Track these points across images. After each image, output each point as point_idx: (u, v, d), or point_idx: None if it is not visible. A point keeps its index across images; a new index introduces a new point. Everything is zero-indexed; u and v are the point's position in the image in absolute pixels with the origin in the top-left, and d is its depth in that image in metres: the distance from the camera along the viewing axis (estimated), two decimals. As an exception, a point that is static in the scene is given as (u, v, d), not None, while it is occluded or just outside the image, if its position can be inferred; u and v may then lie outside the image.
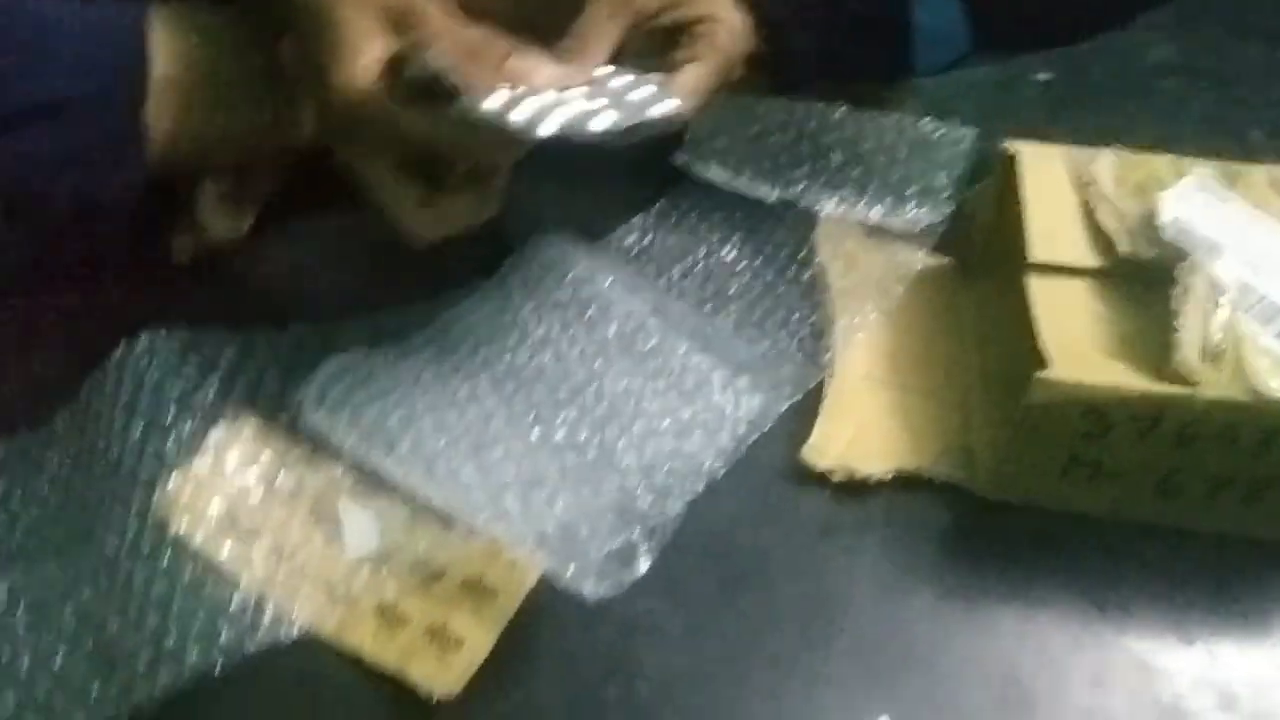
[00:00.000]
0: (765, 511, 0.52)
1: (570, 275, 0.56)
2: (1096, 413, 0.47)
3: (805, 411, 0.55)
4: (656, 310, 0.55)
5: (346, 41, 0.44)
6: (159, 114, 0.48)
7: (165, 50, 0.48)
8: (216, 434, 0.48)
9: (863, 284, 0.59)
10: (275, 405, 0.50)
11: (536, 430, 0.50)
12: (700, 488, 0.50)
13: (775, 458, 0.53)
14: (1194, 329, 0.47)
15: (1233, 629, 0.49)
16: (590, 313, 0.54)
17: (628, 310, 0.55)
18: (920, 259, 0.60)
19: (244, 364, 0.51)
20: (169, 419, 0.47)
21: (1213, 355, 0.47)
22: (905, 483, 0.52)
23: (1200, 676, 0.47)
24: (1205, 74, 0.76)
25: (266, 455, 0.49)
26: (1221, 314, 0.48)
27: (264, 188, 0.56)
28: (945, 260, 0.61)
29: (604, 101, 0.46)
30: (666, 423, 0.51)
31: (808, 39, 0.60)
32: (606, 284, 0.56)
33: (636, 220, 0.62)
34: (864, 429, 0.54)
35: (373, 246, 0.58)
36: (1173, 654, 0.48)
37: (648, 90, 0.48)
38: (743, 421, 0.52)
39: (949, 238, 0.62)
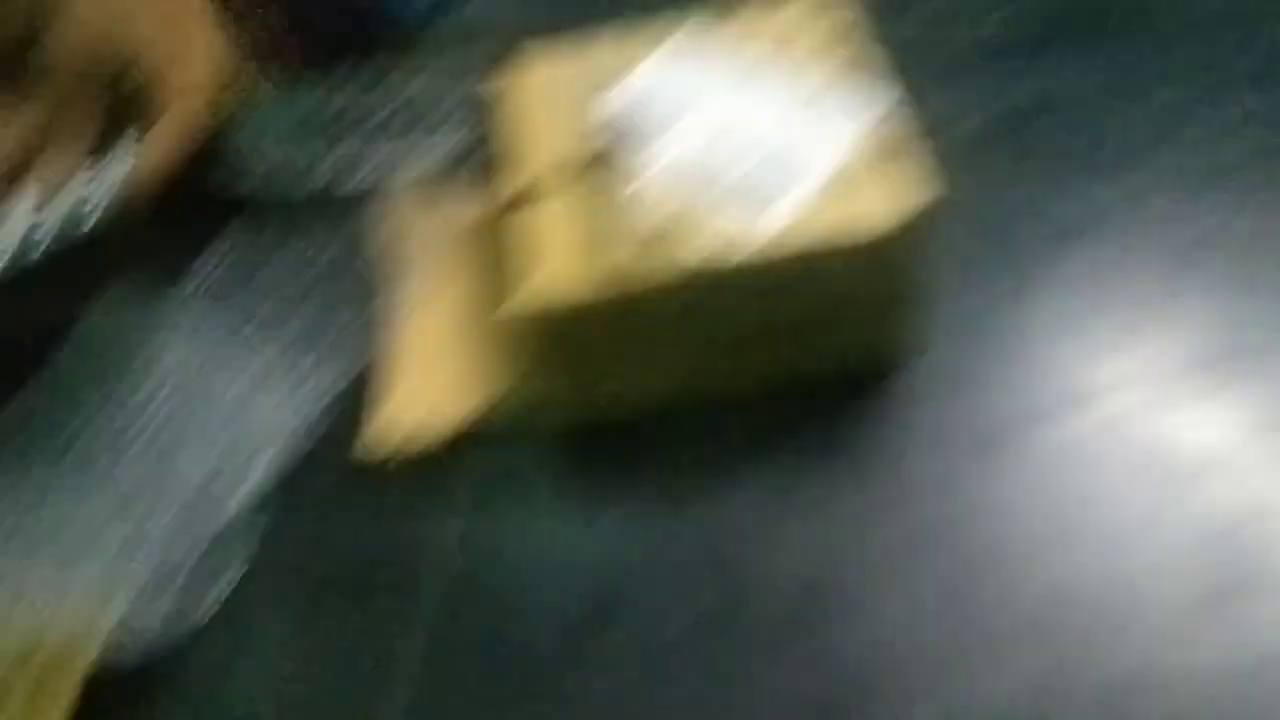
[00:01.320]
0: (344, 506, 0.53)
1: (127, 330, 0.57)
2: (579, 321, 0.48)
3: (373, 394, 0.55)
4: (214, 333, 0.56)
5: None
6: None
7: None
8: None
9: (427, 244, 0.59)
10: None
11: (98, 491, 0.51)
12: (259, 496, 0.51)
13: (345, 456, 0.54)
14: (636, 215, 0.46)
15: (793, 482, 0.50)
16: (145, 357, 0.55)
17: (182, 341, 0.56)
18: (470, 205, 0.59)
19: None
20: None
21: (663, 230, 0.46)
22: (481, 439, 0.53)
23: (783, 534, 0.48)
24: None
25: None
26: (662, 190, 0.48)
27: None
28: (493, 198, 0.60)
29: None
30: (221, 441, 0.52)
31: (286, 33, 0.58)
32: (164, 324, 0.57)
33: (204, 258, 0.62)
34: (431, 394, 0.55)
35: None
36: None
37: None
38: (303, 412, 0.53)
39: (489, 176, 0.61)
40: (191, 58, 0.52)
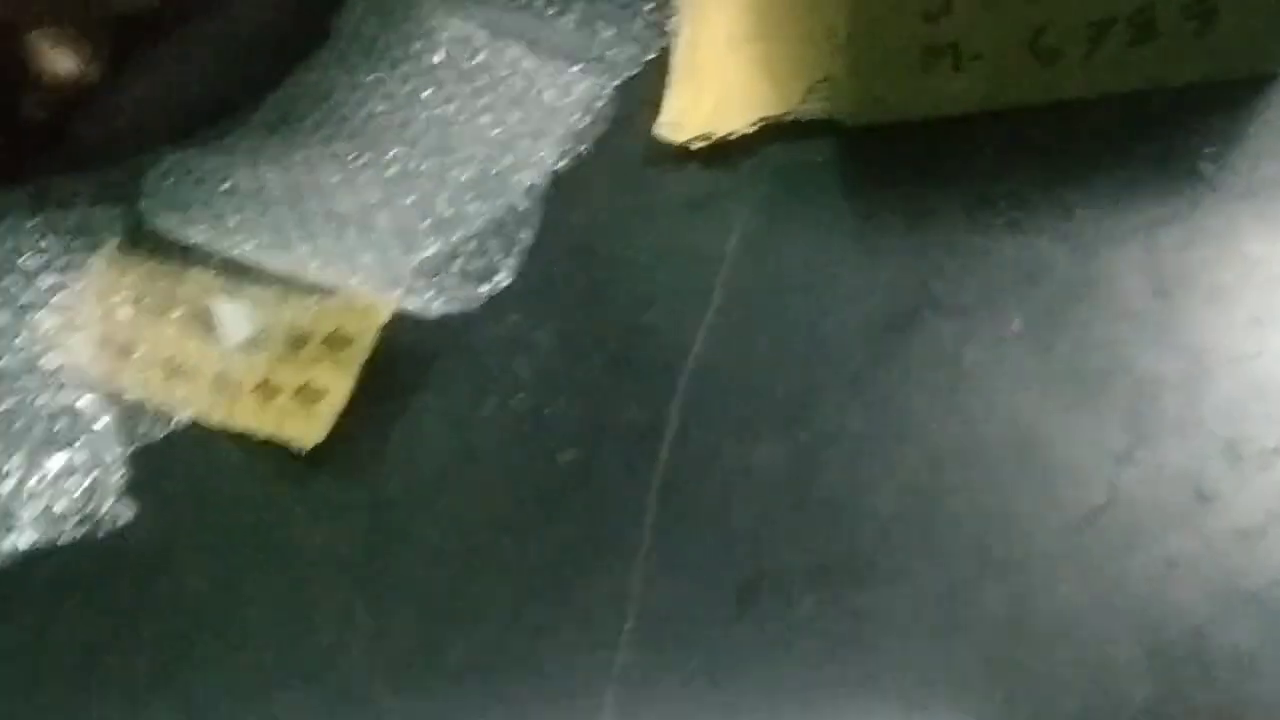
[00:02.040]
0: (627, 200, 0.50)
1: (399, 15, 0.54)
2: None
3: (658, 90, 0.51)
4: (486, 25, 0.52)
5: None
6: None
7: None
8: (78, 272, 0.50)
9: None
10: (138, 232, 0.52)
11: (368, 174, 0.49)
12: (540, 183, 0.49)
13: (636, 140, 0.51)
14: None
15: (1143, 195, 0.45)
16: (416, 46, 0.52)
17: (455, 34, 0.53)
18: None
19: (100, 201, 0.53)
20: (31, 268, 0.50)
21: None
22: (774, 134, 0.49)
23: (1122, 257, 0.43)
24: None
25: (132, 278, 0.51)
26: None
27: (100, 28, 0.57)
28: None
29: None
30: (497, 131, 0.49)
31: None
32: (433, 13, 0.53)
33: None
34: (725, 89, 0.51)
35: (218, 54, 0.58)
36: (1082, 242, 0.44)
37: None
38: (577, 108, 0.50)
39: None
40: None
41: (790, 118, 0.49)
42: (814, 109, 0.49)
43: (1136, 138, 0.45)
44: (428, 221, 0.47)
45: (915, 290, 0.44)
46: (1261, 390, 0.38)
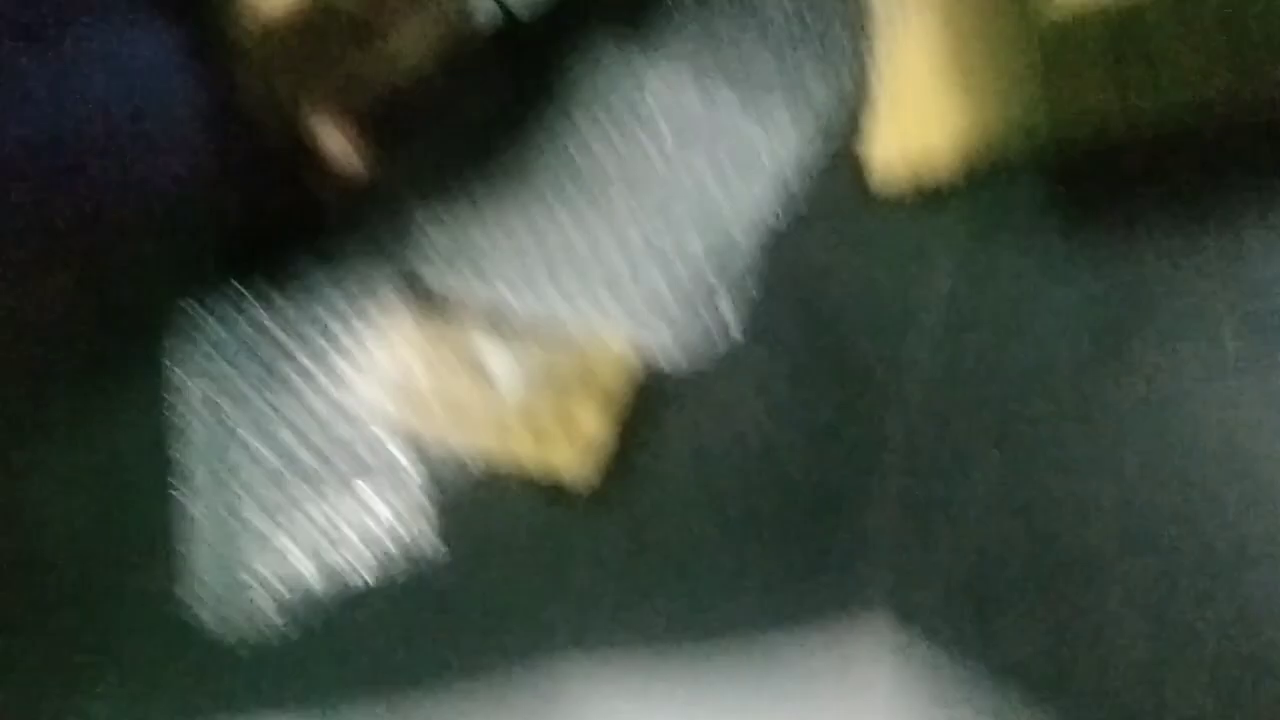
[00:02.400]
0: (843, 239, 0.54)
1: (615, 76, 0.60)
2: (1126, 19, 0.45)
3: (862, 131, 0.55)
4: (699, 77, 0.58)
5: None
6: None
7: None
8: (368, 326, 0.59)
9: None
10: (410, 289, 0.59)
11: (609, 229, 0.55)
12: (765, 232, 0.53)
13: (843, 182, 0.54)
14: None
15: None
16: (641, 109, 0.58)
17: (668, 84, 0.58)
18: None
19: (378, 259, 0.61)
20: (324, 319, 0.59)
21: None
22: (977, 170, 0.52)
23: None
24: None
25: (410, 327, 0.58)
26: None
27: (367, 104, 0.65)
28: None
29: None
30: (715, 177, 0.54)
31: None
32: (649, 73, 0.59)
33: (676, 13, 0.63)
34: (930, 129, 0.54)
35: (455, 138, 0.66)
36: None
37: None
38: (790, 152, 0.54)
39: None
40: None
41: (991, 154, 0.52)
42: (1015, 144, 0.52)
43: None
44: (673, 269, 0.52)
45: (1128, 312, 0.47)
46: None
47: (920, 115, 0.54)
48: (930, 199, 0.52)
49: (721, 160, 0.56)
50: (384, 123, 0.64)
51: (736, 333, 0.52)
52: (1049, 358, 0.47)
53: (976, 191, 0.51)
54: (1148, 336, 0.46)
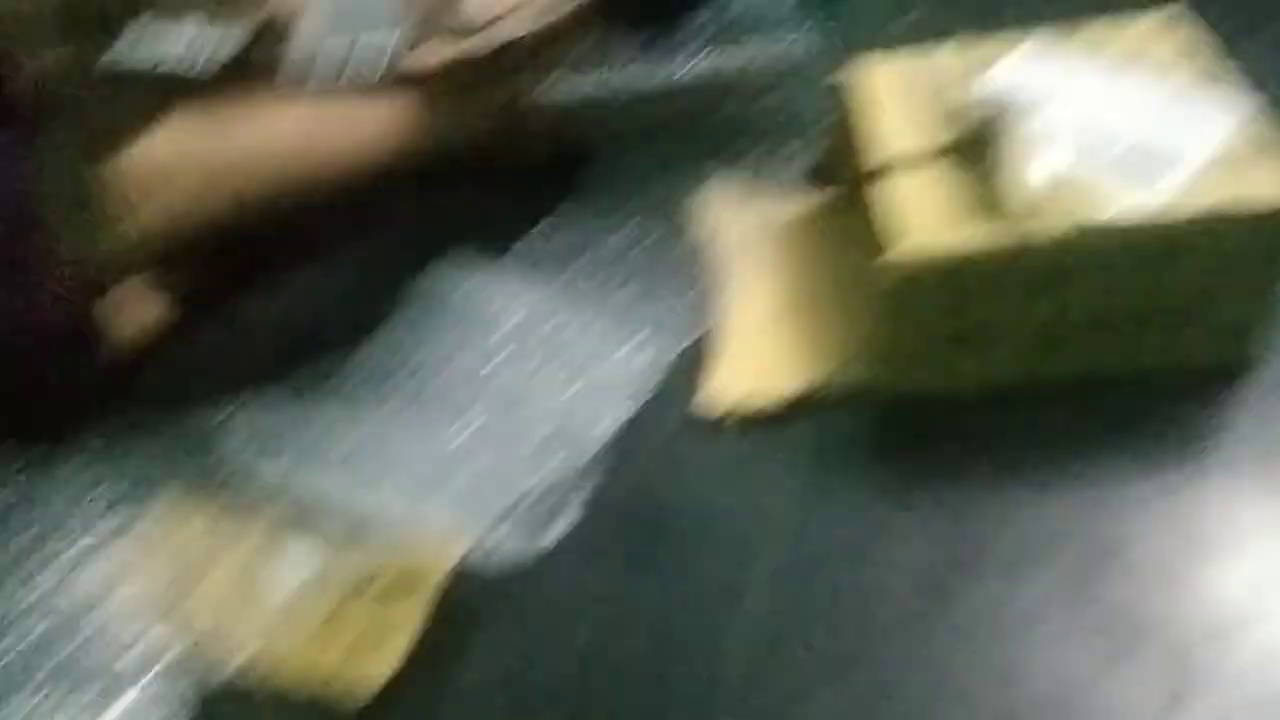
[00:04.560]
0: (679, 459, 0.54)
1: (469, 286, 0.60)
2: (950, 278, 0.49)
3: (705, 362, 0.57)
4: (553, 298, 0.59)
5: None
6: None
7: None
8: (147, 508, 0.54)
9: (747, 234, 0.62)
10: (205, 475, 0.55)
11: (448, 429, 0.54)
12: (599, 447, 0.53)
13: (684, 407, 0.55)
14: (1020, 175, 0.48)
15: (1147, 466, 0.49)
16: (490, 312, 0.58)
17: (524, 304, 0.59)
18: (798, 196, 0.62)
19: (174, 441, 0.57)
20: (99, 509, 0.54)
21: (1048, 195, 0.48)
22: (812, 403, 0.54)
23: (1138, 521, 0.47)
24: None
25: (199, 519, 0.54)
26: (1047, 155, 0.48)
27: (177, 281, 0.63)
28: (821, 191, 0.63)
29: None
30: (567, 393, 0.54)
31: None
32: (508, 284, 0.60)
33: (532, 231, 0.66)
34: (763, 363, 0.56)
35: (286, 318, 0.64)
36: (1099, 508, 0.48)
37: None
38: (639, 374, 0.55)
39: (826, 167, 0.63)
40: None
41: (825, 390, 0.54)
42: (846, 382, 0.54)
43: (1143, 414, 0.50)
44: (499, 474, 0.51)
45: (954, 552, 0.48)
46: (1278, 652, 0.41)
47: (758, 351, 0.56)
48: (768, 430, 0.53)
49: (564, 377, 0.57)
50: (197, 294, 0.61)
51: (564, 544, 0.50)
52: (882, 598, 0.47)
53: (813, 426, 0.53)
54: (973, 580, 0.47)
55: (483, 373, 0.57)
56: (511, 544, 0.48)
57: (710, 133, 0.68)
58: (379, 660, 0.46)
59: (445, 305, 0.60)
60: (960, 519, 0.49)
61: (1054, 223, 0.47)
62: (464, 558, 0.49)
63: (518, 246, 0.65)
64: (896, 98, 0.56)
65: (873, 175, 0.53)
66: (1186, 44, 0.54)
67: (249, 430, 0.54)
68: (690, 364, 0.57)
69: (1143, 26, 0.56)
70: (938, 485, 0.50)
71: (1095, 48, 0.55)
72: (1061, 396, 0.52)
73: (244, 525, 0.53)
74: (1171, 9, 0.56)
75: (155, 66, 0.50)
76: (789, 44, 0.65)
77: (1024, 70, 0.54)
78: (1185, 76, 0.52)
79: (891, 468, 0.51)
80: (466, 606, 0.48)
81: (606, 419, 0.54)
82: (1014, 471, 0.50)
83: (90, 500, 0.53)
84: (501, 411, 0.55)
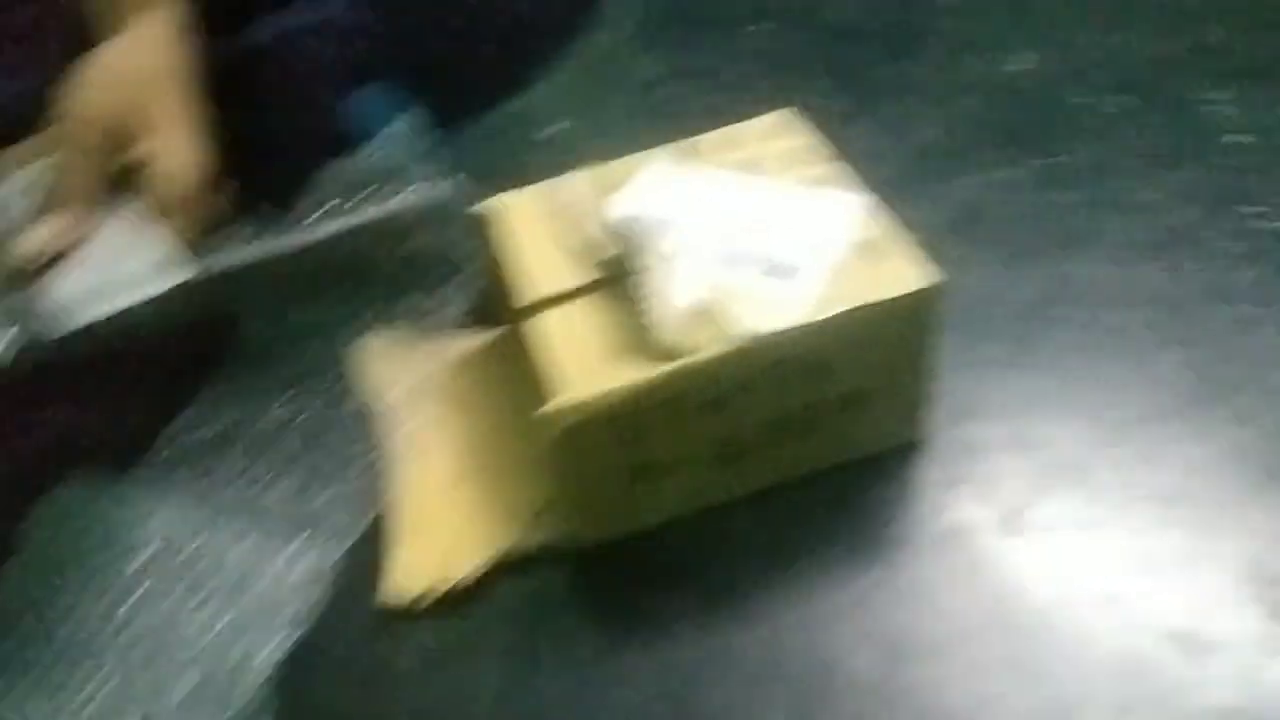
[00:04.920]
0: (366, 673, 0.48)
1: (95, 517, 0.52)
2: (619, 419, 0.47)
3: (381, 550, 0.52)
4: (194, 512, 0.51)
5: None
6: None
7: None
8: None
9: (415, 386, 0.57)
10: None
11: (77, 701, 0.45)
12: (260, 684, 0.46)
13: (364, 612, 0.50)
14: (663, 303, 0.46)
15: (842, 569, 0.49)
16: (119, 548, 0.50)
17: (162, 525, 0.51)
18: (464, 335, 0.58)
19: None
20: None
21: (693, 318, 0.46)
22: (506, 571, 0.50)
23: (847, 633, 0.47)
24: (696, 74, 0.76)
25: None
26: (685, 279, 0.48)
27: None
28: (482, 332, 0.60)
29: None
30: (215, 629, 0.47)
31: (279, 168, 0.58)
32: (137, 509, 0.51)
33: (177, 422, 0.58)
34: (448, 535, 0.52)
35: None
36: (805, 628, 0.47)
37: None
38: (303, 585, 0.49)
39: (477, 309, 0.60)
40: (166, 158, 0.53)
41: (517, 552, 0.50)
42: (537, 540, 0.50)
43: (828, 516, 0.50)
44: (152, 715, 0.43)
45: (673, 704, 0.45)
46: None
47: (438, 525, 0.53)
48: (465, 609, 0.50)
49: (213, 609, 0.50)
50: None
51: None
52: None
53: (511, 591, 0.50)
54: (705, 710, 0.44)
55: (114, 622, 0.48)
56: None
57: (359, 284, 0.63)
58: None
59: (63, 545, 0.51)
60: (672, 672, 0.47)
61: (704, 346, 0.46)
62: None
63: (149, 455, 0.57)
64: (535, 232, 0.54)
65: (523, 317, 0.50)
66: (801, 145, 0.56)
67: None
68: (363, 559, 0.51)
69: (758, 130, 0.56)
70: (644, 639, 0.48)
71: (716, 159, 0.55)
72: (751, 509, 0.51)
73: None
74: (780, 113, 0.57)
75: None
76: (430, 187, 0.62)
77: (650, 192, 0.53)
78: (804, 177, 0.53)
79: (595, 627, 0.48)
80: None
81: (266, 648, 0.46)
82: (716, 606, 0.48)
83: None
84: (140, 666, 0.46)
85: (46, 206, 0.52)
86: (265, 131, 0.61)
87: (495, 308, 0.60)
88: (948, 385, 0.52)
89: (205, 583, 0.49)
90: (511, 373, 0.57)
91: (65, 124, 0.53)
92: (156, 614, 0.48)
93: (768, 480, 0.51)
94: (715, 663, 0.46)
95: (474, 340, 0.60)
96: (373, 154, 0.62)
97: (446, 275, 0.62)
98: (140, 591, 0.48)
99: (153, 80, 0.55)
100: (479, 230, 0.57)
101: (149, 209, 0.53)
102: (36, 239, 0.51)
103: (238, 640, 0.46)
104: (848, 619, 0.46)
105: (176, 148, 0.54)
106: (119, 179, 0.55)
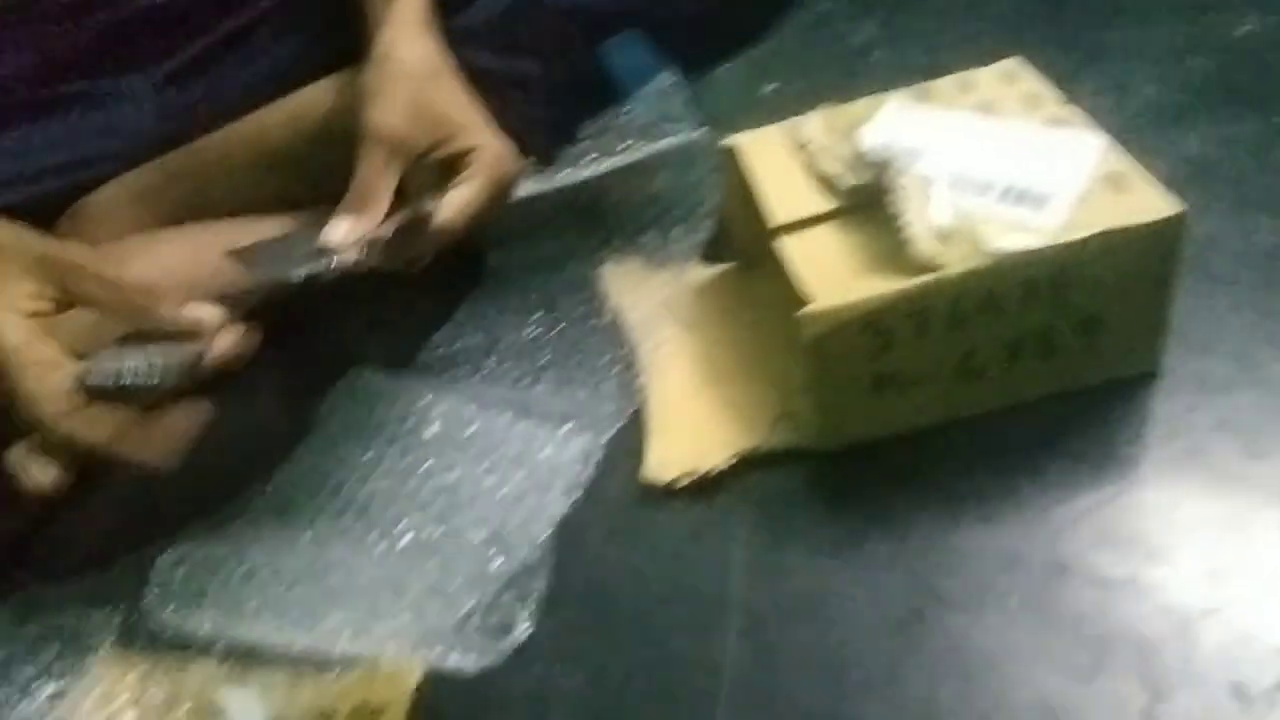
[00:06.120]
0: (629, 540, 0.53)
1: (384, 398, 0.58)
2: (870, 326, 0.50)
3: (640, 437, 0.57)
4: (474, 399, 0.57)
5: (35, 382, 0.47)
6: None
7: None
8: (76, 676, 0.49)
9: (655, 309, 0.62)
10: (134, 628, 0.52)
11: (382, 545, 0.51)
12: (541, 544, 0.51)
13: (626, 487, 0.55)
14: (918, 222, 0.50)
15: (1082, 481, 0.51)
16: (410, 422, 0.56)
17: (446, 408, 0.57)
18: (698, 269, 0.63)
19: (94, 602, 0.53)
20: (24, 679, 0.49)
21: (945, 237, 0.50)
22: (750, 465, 0.54)
23: (1084, 535, 0.49)
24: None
25: (132, 677, 0.50)
26: (938, 200, 0.51)
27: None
28: (721, 264, 0.65)
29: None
30: (504, 490, 0.53)
31: (541, 118, 0.64)
32: (421, 394, 0.58)
33: (440, 335, 0.65)
34: (696, 431, 0.56)
35: (199, 446, 0.60)
36: (1046, 528, 0.49)
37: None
38: (575, 461, 0.54)
39: (720, 239, 0.65)
40: (491, 145, 0.57)
41: (760, 453, 0.54)
42: (782, 440, 0.55)
43: (1065, 433, 0.52)
44: (448, 584, 0.49)
45: (913, 590, 0.48)
46: (1245, 635, 0.43)
47: (688, 423, 0.57)
48: (711, 499, 0.54)
49: (491, 482, 0.55)
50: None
51: (527, 644, 0.48)
52: (850, 648, 0.47)
53: (754, 489, 0.54)
54: (936, 619, 0.47)
55: (405, 489, 0.54)
56: (469, 657, 0.45)
57: (604, 219, 0.68)
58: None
59: (356, 425, 0.58)
60: (912, 561, 0.49)
61: (953, 265, 0.48)
62: (422, 681, 0.46)
63: (423, 355, 0.63)
64: (781, 164, 0.58)
65: (771, 242, 0.54)
66: (1033, 89, 0.58)
67: (172, 577, 0.50)
68: (624, 445, 0.56)
69: (988, 78, 0.59)
70: (884, 531, 0.51)
71: (950, 102, 0.58)
72: (989, 426, 0.53)
73: (184, 677, 0.49)
74: (1009, 61, 0.60)
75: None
76: (680, 134, 0.67)
77: (893, 128, 0.57)
78: (1038, 120, 0.56)
79: (839, 518, 0.52)
80: (443, 714, 0.46)
81: (544, 516, 0.52)
82: (956, 507, 0.51)
83: (14, 669, 0.48)
84: (435, 522, 0.53)
85: (346, 205, 0.55)
86: (525, 83, 0.65)
87: (729, 245, 0.65)
88: (1183, 320, 0.54)
89: (488, 456, 0.54)
90: (753, 298, 0.62)
91: (369, 132, 0.55)
92: (448, 478, 0.54)
93: (1005, 400, 0.53)
94: (955, 555, 0.49)
95: (710, 271, 0.64)
96: (631, 105, 0.67)
97: (686, 214, 0.67)
98: (432, 460, 0.54)
99: (435, 77, 0.57)
100: (725, 163, 0.61)
101: (480, 192, 0.56)
102: (337, 232, 0.54)
103: (520, 504, 0.52)
104: (1086, 524, 0.49)
105: (490, 137, 0.57)
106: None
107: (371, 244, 0.51)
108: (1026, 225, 0.49)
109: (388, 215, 0.54)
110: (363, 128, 0.54)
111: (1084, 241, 0.49)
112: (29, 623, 0.51)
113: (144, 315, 0.49)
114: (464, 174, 0.55)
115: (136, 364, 0.46)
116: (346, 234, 0.52)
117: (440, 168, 0.56)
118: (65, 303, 0.51)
